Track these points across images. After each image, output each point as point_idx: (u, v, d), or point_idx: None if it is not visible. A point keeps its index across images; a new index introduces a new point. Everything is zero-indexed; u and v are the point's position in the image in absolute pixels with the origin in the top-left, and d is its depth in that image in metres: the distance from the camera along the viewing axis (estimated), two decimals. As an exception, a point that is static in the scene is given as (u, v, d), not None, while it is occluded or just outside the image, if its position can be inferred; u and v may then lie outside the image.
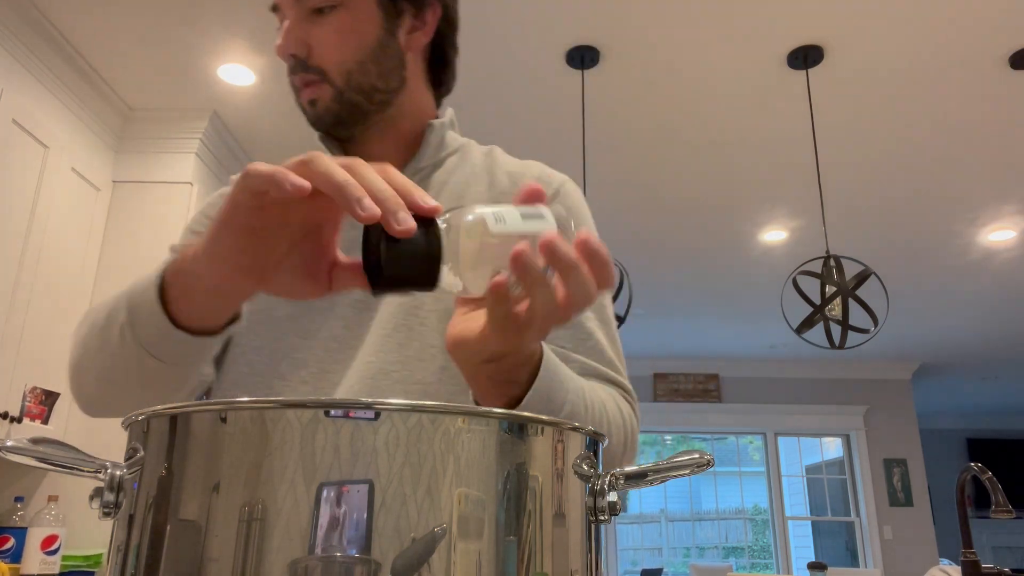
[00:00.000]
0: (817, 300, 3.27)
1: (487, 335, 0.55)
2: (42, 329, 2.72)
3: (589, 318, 0.85)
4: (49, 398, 2.74)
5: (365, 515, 0.34)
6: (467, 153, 0.93)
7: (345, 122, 0.84)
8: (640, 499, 10.63)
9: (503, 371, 0.59)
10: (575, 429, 0.42)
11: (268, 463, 0.35)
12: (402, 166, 0.89)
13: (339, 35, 0.81)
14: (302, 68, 0.82)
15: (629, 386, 0.84)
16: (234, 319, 0.66)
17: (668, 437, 9.66)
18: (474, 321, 0.57)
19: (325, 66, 0.82)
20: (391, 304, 0.81)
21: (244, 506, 0.35)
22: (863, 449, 7.62)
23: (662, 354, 7.65)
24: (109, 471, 0.41)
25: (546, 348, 0.65)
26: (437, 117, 0.93)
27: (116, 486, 0.40)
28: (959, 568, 1.97)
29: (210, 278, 0.57)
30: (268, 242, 0.54)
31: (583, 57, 3.01)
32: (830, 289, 3.10)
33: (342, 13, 0.81)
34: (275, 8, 0.84)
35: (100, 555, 2.78)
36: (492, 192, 0.89)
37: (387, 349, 0.79)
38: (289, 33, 0.82)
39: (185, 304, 0.62)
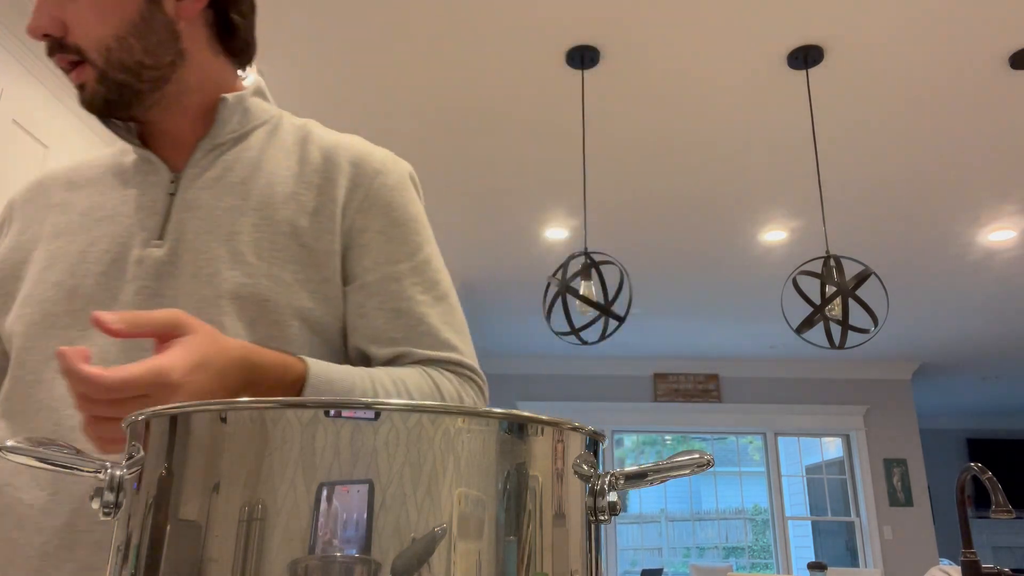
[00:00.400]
0: (817, 300, 3.27)
1: None
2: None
3: (420, 301, 0.81)
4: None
5: (365, 515, 0.34)
6: (278, 127, 0.88)
7: (117, 104, 0.79)
8: (640, 499, 10.63)
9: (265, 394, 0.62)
10: (575, 429, 0.41)
11: (268, 463, 0.35)
12: (196, 142, 0.83)
13: (94, 10, 0.75)
14: (59, 48, 0.77)
15: (467, 360, 0.81)
16: None
17: (668, 437, 9.66)
18: None
19: (82, 44, 0.76)
20: (184, 299, 0.76)
21: (244, 506, 0.35)
22: (863, 449, 7.62)
23: (662, 354, 7.65)
24: (109, 471, 0.41)
25: (313, 363, 0.68)
26: (236, 89, 0.87)
27: (116, 486, 0.40)
28: (959, 568, 1.97)
29: None
30: None
31: (583, 57, 3.01)
32: (830, 289, 3.09)
33: None
34: None
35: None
36: (303, 169, 0.83)
37: None
38: (40, 10, 0.76)
39: None
